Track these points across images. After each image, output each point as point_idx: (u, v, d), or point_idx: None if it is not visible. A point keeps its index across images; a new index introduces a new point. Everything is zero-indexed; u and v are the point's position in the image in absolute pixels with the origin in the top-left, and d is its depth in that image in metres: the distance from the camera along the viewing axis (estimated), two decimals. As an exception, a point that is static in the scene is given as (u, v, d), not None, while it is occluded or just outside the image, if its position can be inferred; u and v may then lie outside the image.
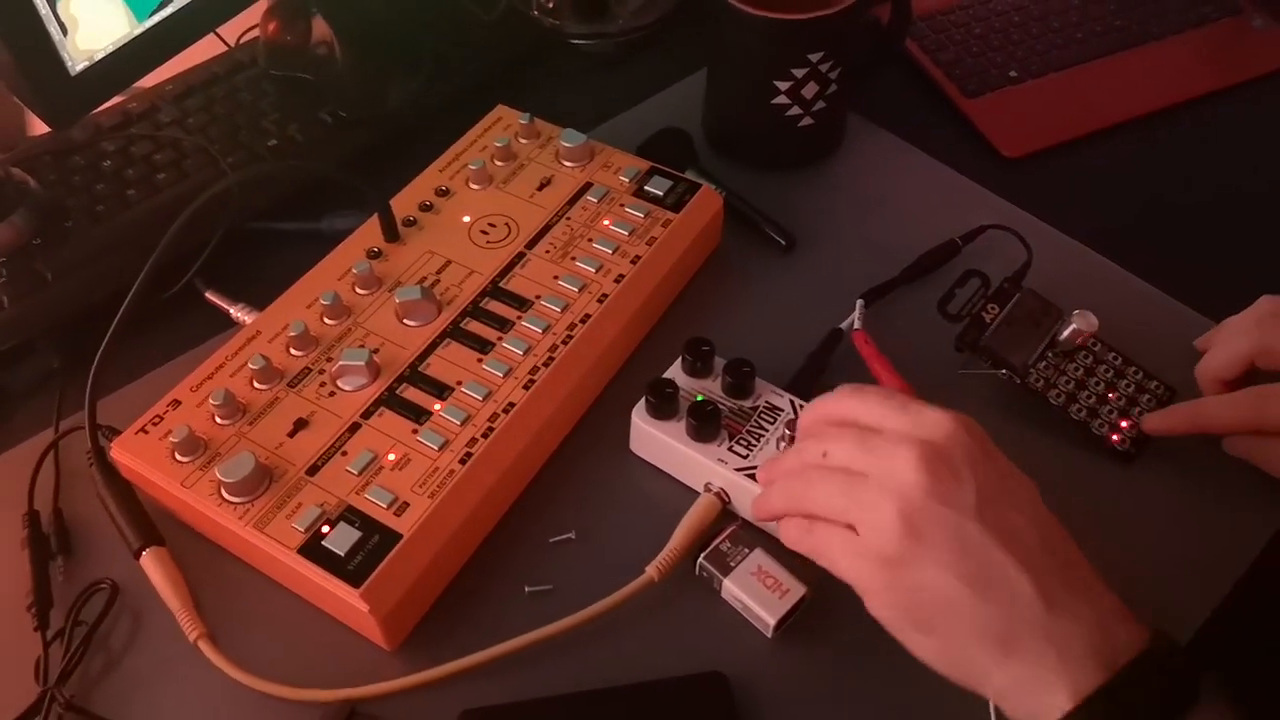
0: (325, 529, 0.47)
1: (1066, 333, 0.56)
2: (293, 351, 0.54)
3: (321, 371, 0.53)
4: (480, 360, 0.54)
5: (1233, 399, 0.52)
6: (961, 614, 0.39)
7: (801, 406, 0.53)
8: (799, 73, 0.64)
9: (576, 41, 0.79)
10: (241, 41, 0.77)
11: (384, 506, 0.48)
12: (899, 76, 0.78)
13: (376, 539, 0.47)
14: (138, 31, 0.59)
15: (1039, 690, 0.38)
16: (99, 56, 0.57)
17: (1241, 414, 0.52)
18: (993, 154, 0.72)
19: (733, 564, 0.49)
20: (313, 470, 0.49)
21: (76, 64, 0.56)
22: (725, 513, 0.52)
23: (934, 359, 0.58)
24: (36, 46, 0.54)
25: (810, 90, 0.65)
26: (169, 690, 0.48)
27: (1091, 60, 0.78)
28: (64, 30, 0.55)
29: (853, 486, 0.41)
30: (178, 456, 0.50)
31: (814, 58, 0.64)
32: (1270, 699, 0.48)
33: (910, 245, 0.64)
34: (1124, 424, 0.55)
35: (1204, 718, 0.38)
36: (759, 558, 0.49)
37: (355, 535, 0.47)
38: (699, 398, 0.53)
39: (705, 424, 0.51)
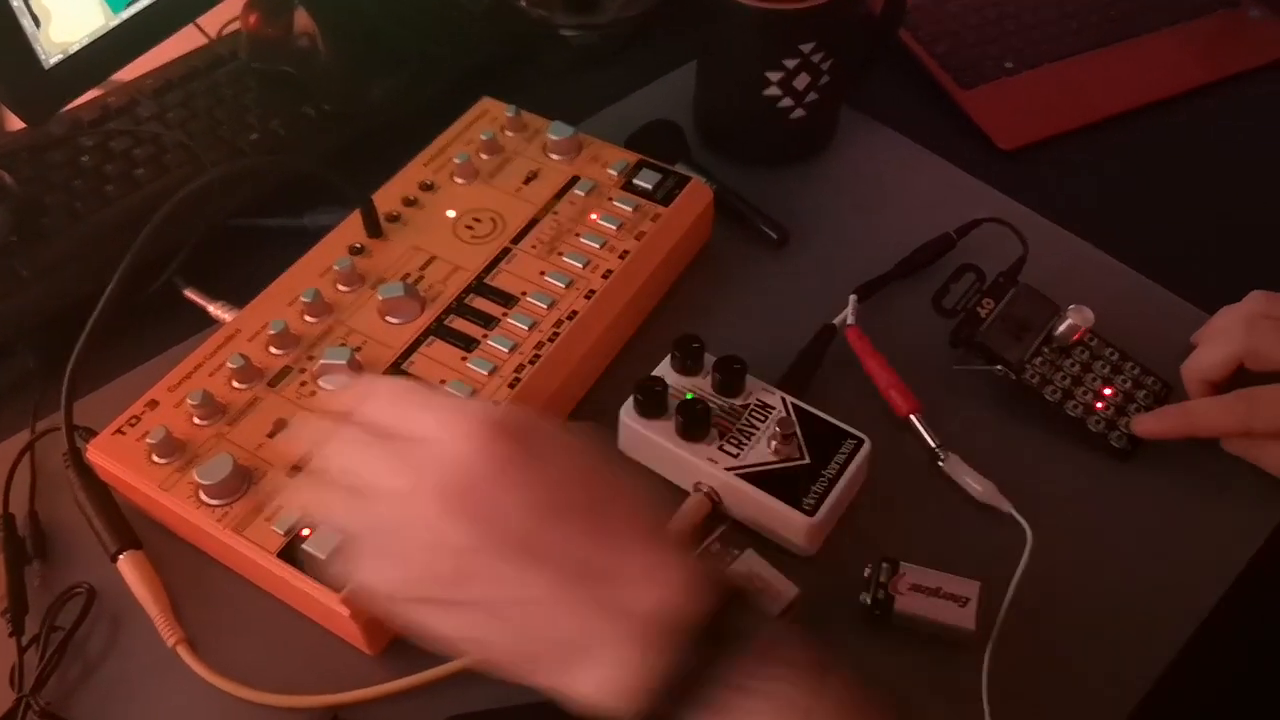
0: (306, 531, 0.46)
1: (1062, 328, 0.55)
2: (273, 350, 0.53)
3: (302, 370, 0.52)
4: (465, 358, 0.53)
5: (1222, 402, 0.52)
6: (493, 647, 0.36)
7: (793, 405, 0.52)
8: (791, 64, 0.63)
9: (565, 33, 0.78)
10: (223, 34, 0.76)
11: (366, 509, 0.47)
12: (892, 68, 0.77)
13: (358, 542, 0.46)
14: (114, 24, 0.57)
15: (592, 690, 0.34)
16: (74, 49, 0.56)
17: (1231, 417, 0.52)
18: (988, 146, 0.71)
19: (723, 565, 0.48)
20: (294, 471, 0.48)
21: (50, 57, 0.55)
22: (716, 513, 0.51)
23: (929, 355, 0.57)
24: (9, 39, 0.53)
25: (802, 82, 0.64)
26: (147, 697, 0.47)
27: (1088, 51, 0.77)
28: (37, 22, 0.54)
29: (401, 450, 0.37)
30: (155, 458, 0.49)
31: (806, 48, 0.63)
32: (1270, 694, 0.48)
33: (904, 239, 0.63)
34: (1120, 421, 0.54)
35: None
36: (750, 559, 0.48)
37: (336, 538, 0.46)
38: (689, 396, 0.52)
39: (695, 423, 0.50)
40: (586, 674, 0.35)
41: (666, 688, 0.33)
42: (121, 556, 0.49)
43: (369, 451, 0.37)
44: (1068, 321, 0.55)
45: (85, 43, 0.56)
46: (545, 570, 0.35)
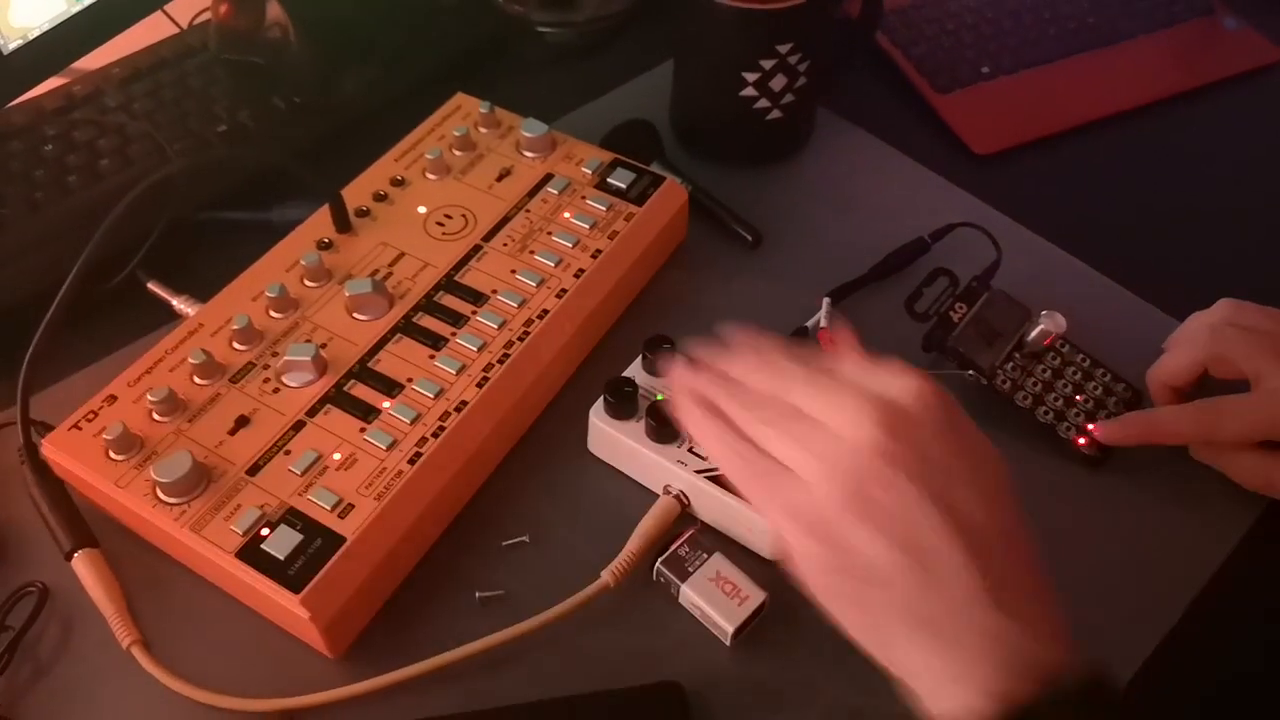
0: (265, 531, 0.45)
1: (1034, 333, 0.55)
2: (236, 346, 0.52)
3: (266, 367, 0.51)
4: (432, 357, 0.52)
5: (1185, 411, 0.52)
6: (894, 589, 0.36)
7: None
8: (767, 64, 0.63)
9: (542, 30, 0.77)
10: (194, 24, 0.75)
11: (327, 508, 0.46)
12: (869, 71, 0.77)
13: (319, 542, 0.45)
14: (76, 9, 0.56)
15: (954, 682, 0.35)
16: (34, 35, 0.55)
17: (1194, 426, 0.52)
18: (964, 151, 0.71)
19: (691, 569, 0.48)
20: (253, 470, 0.47)
21: (9, 42, 0.54)
22: (685, 516, 0.50)
23: (899, 358, 0.57)
24: (-34, 23, 0.52)
25: (779, 83, 0.64)
26: (100, 699, 0.46)
27: (1064, 58, 0.77)
28: (-3, 6, 0.53)
29: (805, 429, 0.37)
30: (112, 455, 0.48)
31: (783, 49, 0.62)
32: (1237, 703, 0.48)
33: (879, 243, 0.63)
34: (1090, 427, 0.54)
35: None
36: (718, 563, 0.48)
37: (296, 538, 0.45)
38: (659, 397, 0.51)
39: (665, 424, 0.50)
40: (947, 684, 0.35)
41: None
42: (76, 555, 0.48)
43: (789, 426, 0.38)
44: (1039, 327, 0.55)
45: (46, 28, 0.55)
46: (967, 543, 0.35)
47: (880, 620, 0.37)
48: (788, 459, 0.38)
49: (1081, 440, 0.54)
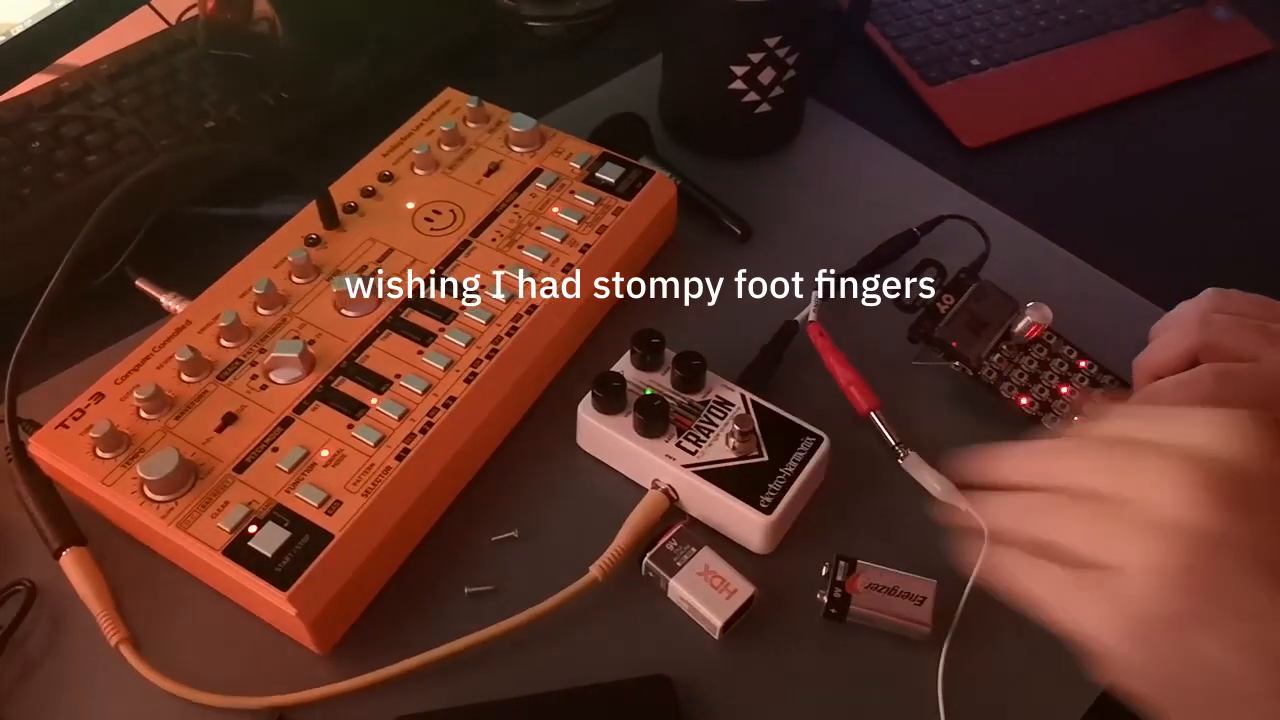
0: (252, 529, 0.45)
1: (1021, 325, 0.55)
2: (223, 343, 0.52)
3: (254, 364, 0.51)
4: (421, 352, 0.52)
5: (1183, 380, 0.50)
6: (1248, 705, 0.28)
7: (753, 402, 0.51)
8: (756, 58, 0.63)
9: (531, 24, 0.77)
10: (182, 20, 0.74)
11: (315, 505, 0.46)
12: (859, 63, 0.77)
13: (306, 539, 0.45)
14: (59, 5, 0.56)
15: None
16: (16, 31, 0.54)
17: (1194, 399, 0.50)
18: (953, 143, 0.71)
19: (679, 563, 0.48)
20: (241, 467, 0.47)
21: (-7, 39, 0.53)
22: (673, 510, 0.50)
23: (888, 350, 0.57)
24: (-51, 20, 0.52)
25: (768, 76, 0.64)
26: (88, 698, 0.46)
27: (1054, 49, 0.77)
28: (-21, 3, 0.53)
29: (1109, 515, 0.30)
30: (99, 452, 0.48)
31: (771, 42, 0.62)
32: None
33: (868, 235, 0.62)
34: (1077, 419, 0.54)
35: None
36: (706, 557, 0.48)
37: (284, 535, 0.45)
38: (647, 391, 0.51)
39: (653, 419, 0.50)
40: None
41: None
42: (64, 553, 0.48)
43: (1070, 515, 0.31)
44: (1026, 318, 0.55)
45: (29, 24, 0.55)
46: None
47: None
48: (1097, 554, 0.30)
49: (1077, 418, 0.53)
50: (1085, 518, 0.31)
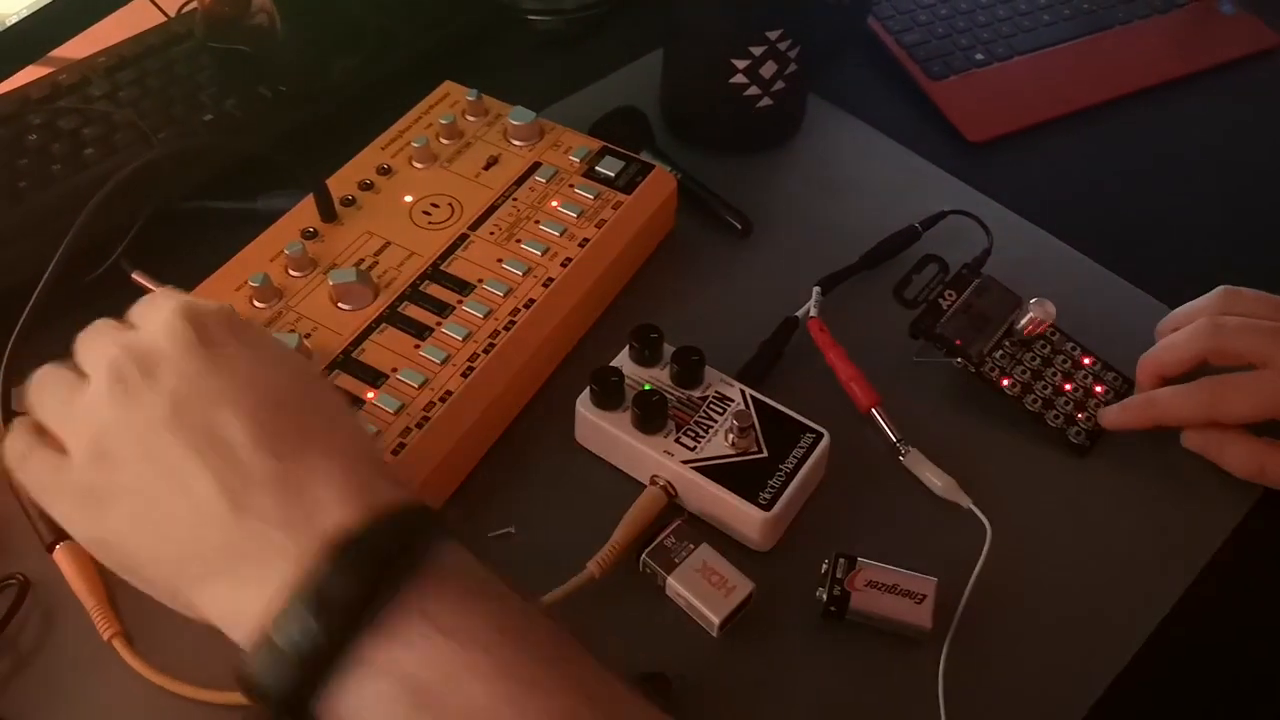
0: (246, 523, 0.45)
1: (1023, 321, 0.54)
2: (219, 336, 0.52)
3: (249, 357, 0.51)
4: (418, 346, 0.52)
5: (1186, 390, 0.51)
6: (155, 541, 0.35)
7: (752, 397, 0.51)
8: (757, 51, 0.62)
9: (531, 17, 0.77)
10: (181, 12, 0.74)
11: (310, 500, 0.45)
12: (861, 58, 0.76)
13: (301, 534, 0.44)
14: (55, -5, 0.56)
15: (243, 603, 0.32)
16: (11, 21, 0.54)
17: (1196, 406, 0.51)
18: (956, 138, 0.71)
19: (677, 560, 0.47)
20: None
21: (-13, 30, 0.53)
22: (671, 506, 0.50)
23: (889, 346, 0.56)
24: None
25: (769, 70, 0.63)
26: (82, 691, 0.45)
27: (1058, 44, 0.77)
28: (-28, -7, 0.52)
29: (73, 399, 0.37)
30: (93, 446, 0.47)
31: (772, 35, 0.62)
32: (1228, 693, 0.47)
33: (870, 230, 0.62)
34: (1079, 416, 0.54)
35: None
36: (704, 554, 0.47)
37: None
38: (646, 387, 0.51)
39: (651, 414, 0.49)
40: (230, 590, 0.33)
41: (317, 607, 0.30)
42: (58, 547, 0.47)
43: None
44: (1029, 315, 0.54)
45: (23, 15, 0.54)
46: (210, 461, 0.34)
47: (163, 576, 0.36)
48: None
49: (1070, 429, 0.53)
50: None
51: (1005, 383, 0.54)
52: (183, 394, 0.35)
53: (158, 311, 0.38)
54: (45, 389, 0.39)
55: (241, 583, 0.33)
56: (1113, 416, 0.53)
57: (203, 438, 0.34)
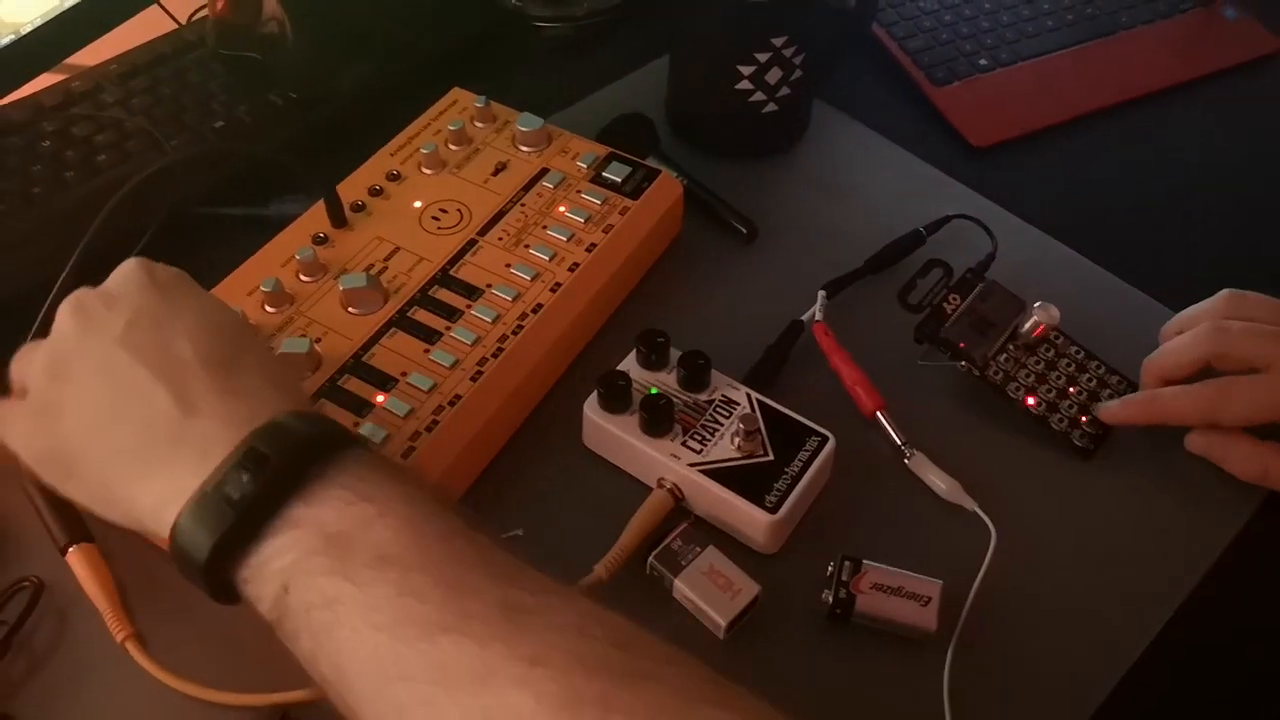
0: (258, 526, 0.45)
1: (1027, 325, 0.55)
2: (230, 341, 0.52)
3: (260, 361, 0.51)
4: (427, 351, 0.52)
5: (1190, 390, 0.51)
6: (102, 440, 0.39)
7: (758, 401, 0.51)
8: (762, 57, 0.63)
9: (539, 24, 0.77)
10: (192, 20, 0.75)
11: (321, 502, 0.46)
12: (866, 63, 0.77)
13: (312, 536, 0.45)
14: (69, 4, 0.56)
15: (181, 481, 0.36)
16: (25, 30, 0.54)
17: (1199, 406, 0.51)
18: (960, 143, 0.71)
19: (684, 563, 0.48)
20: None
21: (1, 38, 0.54)
22: (678, 509, 0.50)
23: (894, 350, 0.57)
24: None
25: (774, 76, 0.64)
26: (95, 694, 0.46)
27: (1062, 49, 0.77)
28: (-12, 2, 0.53)
29: (40, 346, 0.43)
30: (107, 449, 0.48)
31: (778, 42, 0.62)
32: (1232, 696, 0.48)
33: (875, 235, 0.62)
34: (1084, 419, 0.54)
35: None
36: (711, 556, 0.48)
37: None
38: (652, 390, 0.51)
39: (658, 417, 0.50)
40: (168, 480, 0.37)
41: (254, 469, 0.35)
42: (71, 550, 0.48)
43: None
44: (1033, 319, 0.54)
45: (38, 23, 0.55)
46: (163, 373, 0.38)
47: (100, 478, 0.39)
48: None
49: (1074, 432, 0.54)
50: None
51: (1009, 386, 0.54)
52: (136, 319, 0.40)
53: (120, 268, 0.44)
54: (21, 355, 0.44)
55: (181, 472, 0.37)
56: (1113, 411, 0.53)
57: (155, 353, 0.39)
